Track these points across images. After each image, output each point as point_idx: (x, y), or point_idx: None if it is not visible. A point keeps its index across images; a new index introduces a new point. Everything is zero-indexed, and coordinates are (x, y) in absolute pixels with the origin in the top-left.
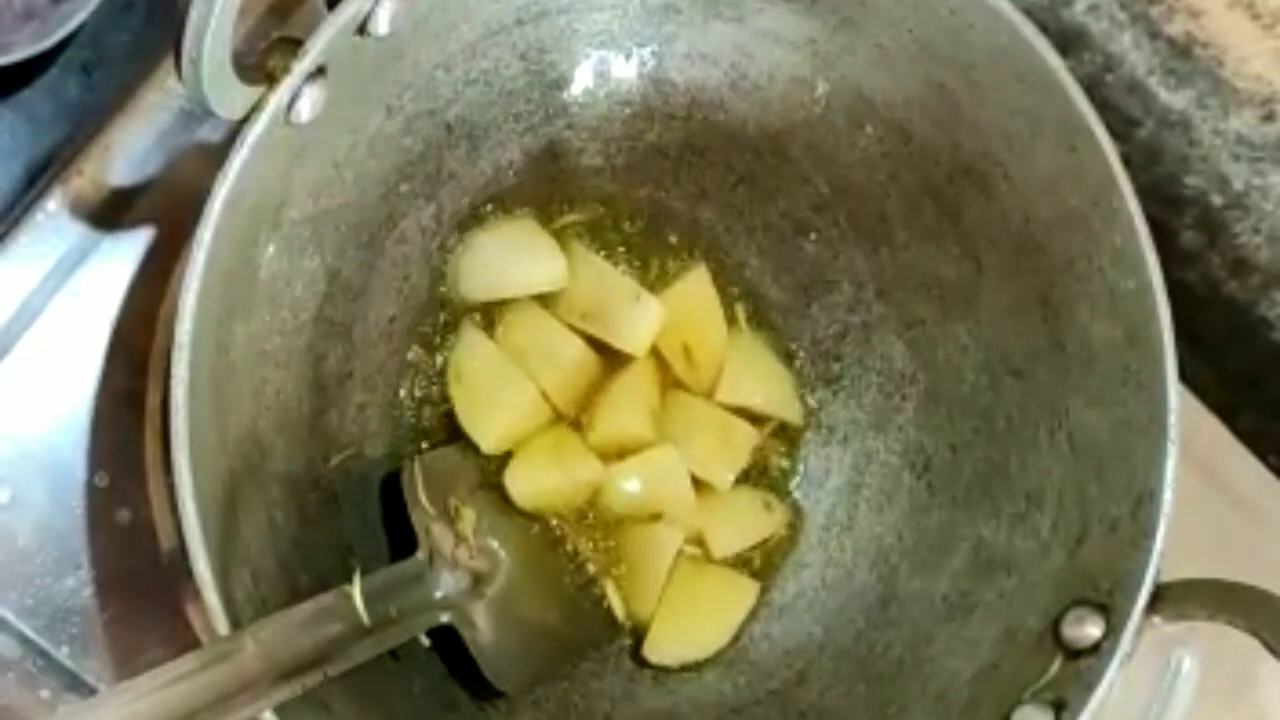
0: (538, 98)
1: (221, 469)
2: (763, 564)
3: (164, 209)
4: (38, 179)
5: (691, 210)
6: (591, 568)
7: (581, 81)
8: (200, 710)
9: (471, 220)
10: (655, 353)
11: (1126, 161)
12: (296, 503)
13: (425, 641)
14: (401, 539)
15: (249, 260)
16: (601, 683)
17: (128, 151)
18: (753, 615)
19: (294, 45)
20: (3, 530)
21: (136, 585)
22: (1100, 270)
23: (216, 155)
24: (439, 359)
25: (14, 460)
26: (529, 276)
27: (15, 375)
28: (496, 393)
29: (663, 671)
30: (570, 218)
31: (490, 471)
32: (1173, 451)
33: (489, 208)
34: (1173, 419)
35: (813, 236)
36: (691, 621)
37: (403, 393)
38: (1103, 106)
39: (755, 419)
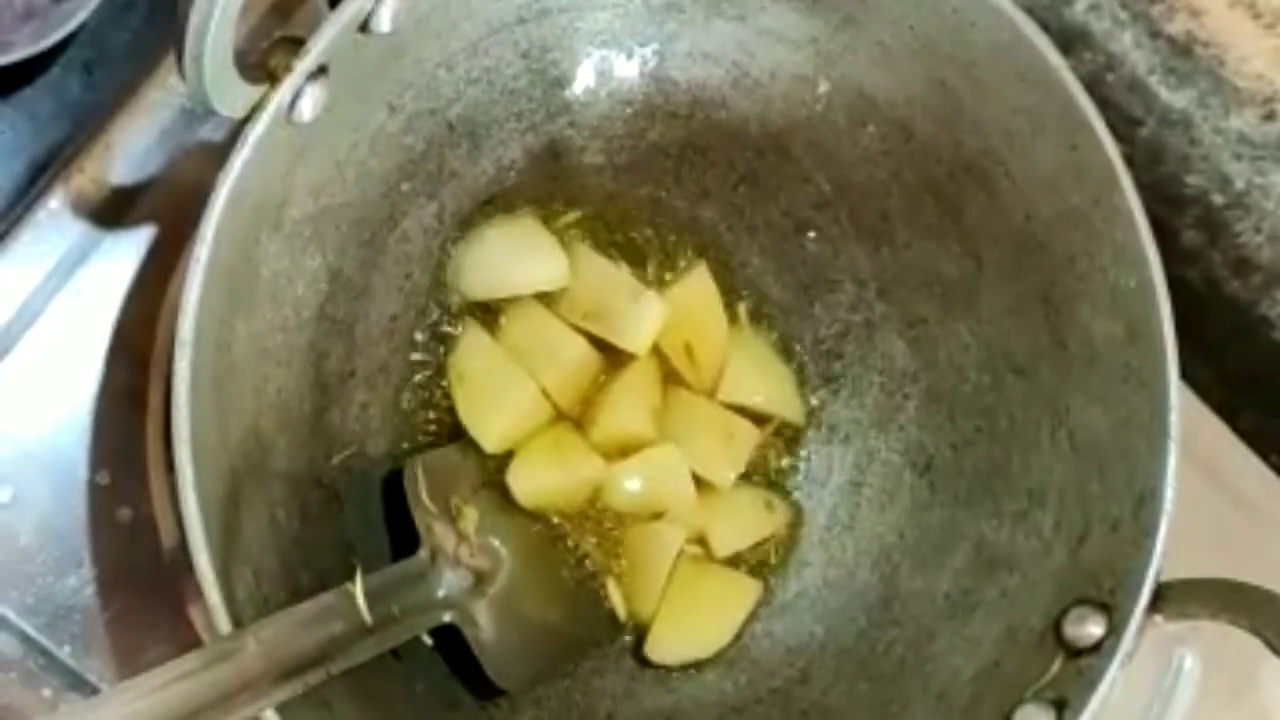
0: (539, 96)
1: (223, 467)
2: (764, 563)
3: (165, 207)
4: (39, 177)
5: (693, 209)
6: (593, 566)
7: (583, 80)
8: (202, 709)
9: (473, 219)
10: (657, 351)
11: (1128, 161)
12: (298, 501)
13: (427, 640)
14: (403, 538)
15: (250, 258)
16: (603, 681)
17: (129, 150)
18: (754, 614)
19: (296, 44)
20: (4, 529)
21: (138, 584)
22: (1101, 268)
23: (218, 154)
24: (441, 358)
25: (16, 458)
26: (530, 275)
27: (17, 374)
28: (498, 391)
29: (664, 670)
30: (572, 216)
31: (492, 470)
32: (1174, 450)
33: (490, 206)
34: (1174, 417)
35: (814, 235)
36: (693, 620)
37: (404, 391)
38: (1104, 105)
39: (757, 418)
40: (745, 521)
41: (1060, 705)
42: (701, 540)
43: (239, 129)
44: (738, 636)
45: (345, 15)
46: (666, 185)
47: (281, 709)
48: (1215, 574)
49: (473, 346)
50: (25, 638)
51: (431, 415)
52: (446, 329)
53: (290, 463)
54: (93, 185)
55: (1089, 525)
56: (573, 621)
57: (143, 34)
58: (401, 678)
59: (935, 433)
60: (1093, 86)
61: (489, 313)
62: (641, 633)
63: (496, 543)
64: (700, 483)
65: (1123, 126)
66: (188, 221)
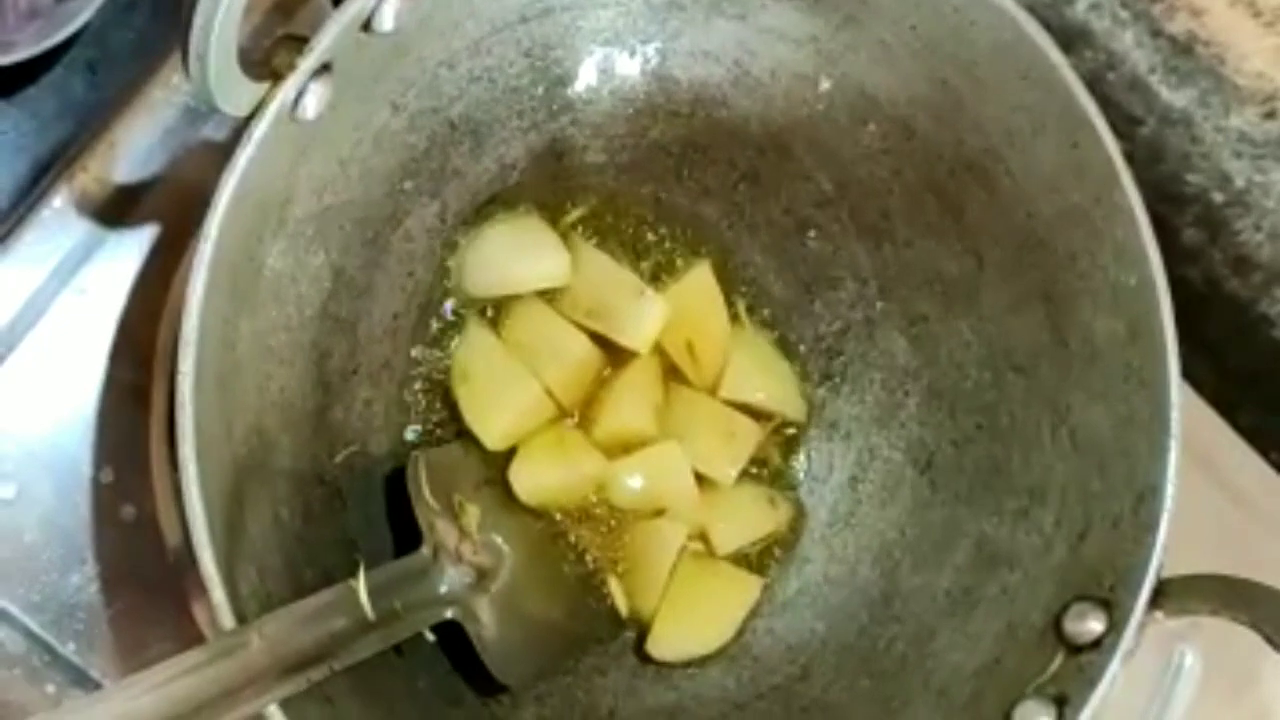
0: (541, 95)
1: (226, 464)
2: (765, 560)
3: (169, 206)
4: (43, 176)
5: (694, 207)
6: (595, 563)
7: (585, 78)
8: (206, 704)
9: (476, 217)
10: (659, 349)
11: (1128, 159)
12: (301, 498)
13: (430, 637)
14: (406, 535)
15: (254, 257)
16: (605, 678)
17: (132, 149)
18: (756, 611)
19: (299, 42)
20: (8, 526)
21: (142, 581)
22: (1102, 266)
23: (221, 152)
24: (443, 355)
25: (19, 456)
26: (533, 273)
27: (20, 372)
28: (500, 389)
29: (666, 667)
30: (574, 214)
31: (494, 467)
32: (1174, 447)
33: (493, 204)
34: (1175, 415)
35: (815, 233)
36: (694, 617)
37: (407, 389)
38: (1104, 104)
39: (758, 415)
40: (746, 518)
41: (1061, 701)
42: (703, 537)
43: (242, 127)
44: (739, 633)
45: (348, 14)
46: (668, 184)
47: (285, 705)
48: (1215, 571)
49: (475, 344)
50: (29, 634)
51: (434, 413)
52: (449, 327)
53: (293, 460)
54: (96, 184)
55: (1090, 522)
56: (574, 618)
57: (146, 33)
58: (404, 674)
59: (936, 430)
60: (1093, 85)
61: (491, 310)
62: (643, 629)
63: (498, 539)
64: (702, 480)
65: (1123, 125)
66: (191, 220)
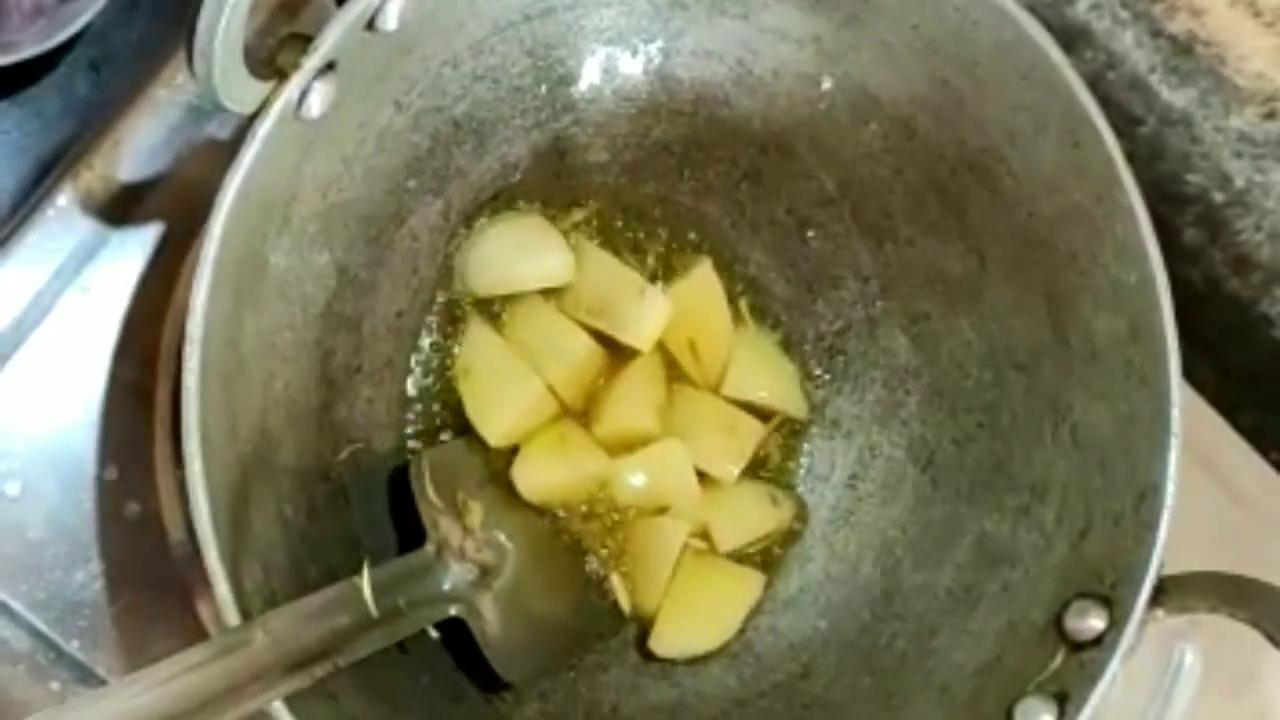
0: (544, 94)
1: (231, 462)
2: (767, 557)
3: (173, 204)
4: (47, 175)
5: (697, 206)
6: (597, 561)
7: (588, 78)
8: (210, 701)
9: (479, 215)
10: (661, 347)
11: (1129, 159)
12: (305, 496)
13: (433, 634)
14: (409, 532)
15: (258, 255)
16: (607, 675)
17: (137, 147)
18: (757, 608)
19: (304, 41)
20: (14, 523)
21: (146, 578)
22: (1103, 264)
23: (225, 151)
24: (447, 353)
25: (24, 453)
26: (536, 271)
27: (26, 369)
28: (503, 387)
29: (668, 664)
30: (577, 213)
31: (497, 465)
32: (1175, 445)
33: (496, 203)
34: (1175, 413)
35: (817, 232)
36: (697, 614)
37: (410, 387)
38: (1105, 104)
39: (760, 413)
40: (748, 516)
41: (1062, 699)
42: (705, 535)
43: (246, 126)
44: (741, 631)
45: (352, 13)
46: (670, 182)
47: (289, 701)
48: (1215, 569)
49: (478, 342)
50: (34, 631)
51: (437, 410)
52: (452, 325)
53: (297, 458)
54: (100, 183)
55: (1090, 520)
56: (577, 615)
57: (149, 32)
58: (407, 670)
59: (937, 428)
60: (1094, 85)
61: (494, 309)
62: (645, 626)
63: (501, 537)
64: (704, 478)
65: (1124, 125)
66: (195, 218)
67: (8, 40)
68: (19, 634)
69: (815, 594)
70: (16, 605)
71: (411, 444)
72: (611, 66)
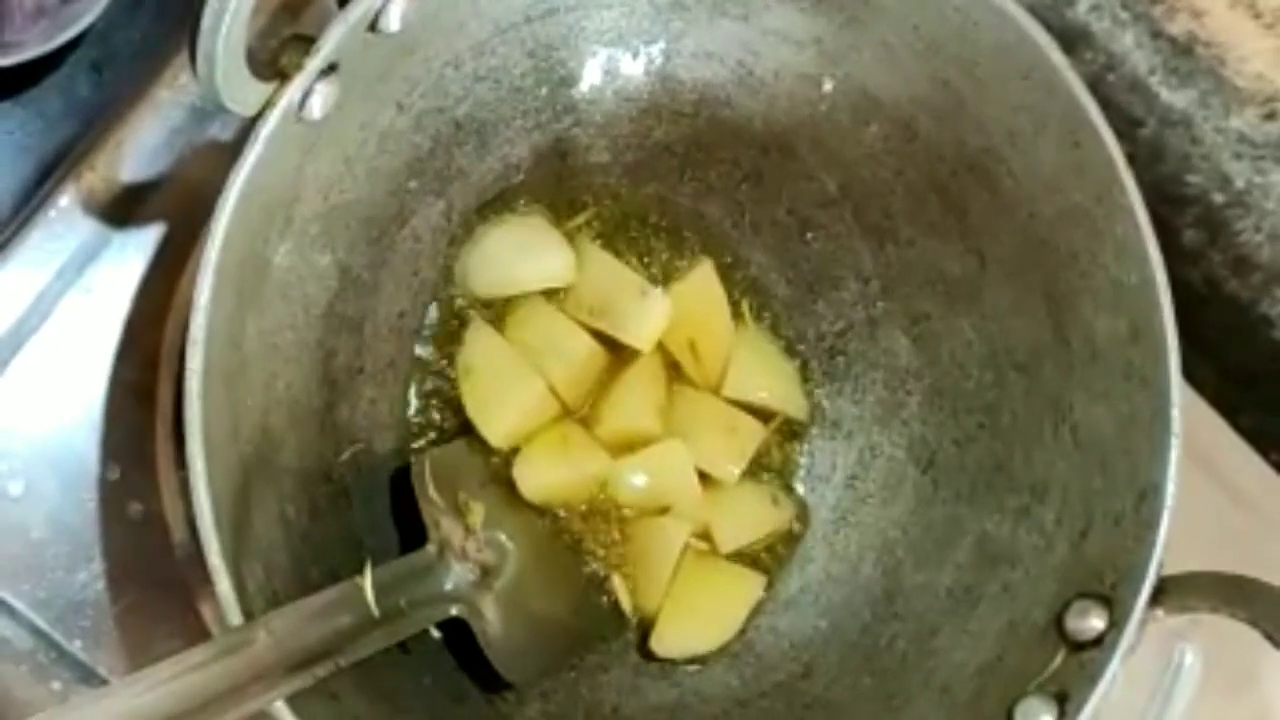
0: (546, 95)
1: (233, 462)
2: (768, 558)
3: (175, 205)
4: (49, 176)
5: (698, 207)
6: (598, 561)
7: (589, 79)
8: (212, 700)
9: (480, 216)
10: (662, 348)
11: (1129, 160)
12: (307, 496)
13: (435, 634)
14: (411, 532)
15: (260, 256)
16: (608, 675)
17: (139, 148)
18: (758, 609)
19: (306, 42)
20: (16, 523)
21: (148, 578)
22: (1103, 265)
23: (228, 152)
24: (448, 354)
25: (26, 453)
26: (537, 272)
27: (27, 370)
28: (505, 387)
29: (669, 664)
30: (578, 214)
31: (499, 465)
32: (1175, 446)
33: (498, 204)
34: (1175, 413)
35: (818, 233)
36: (697, 615)
37: (412, 387)
38: (1105, 105)
39: (761, 414)
40: (749, 517)
41: (1062, 698)
42: (706, 535)
43: (249, 127)
44: (742, 631)
45: (354, 14)
46: (672, 183)
47: (291, 701)
48: (1215, 570)
49: (480, 343)
50: (36, 631)
51: (439, 411)
52: (454, 326)
53: (299, 458)
54: (103, 184)
55: (1091, 520)
56: (578, 615)
57: (151, 33)
58: (409, 671)
59: (938, 429)
60: (1094, 86)
61: (496, 309)
62: (646, 627)
63: (503, 537)
64: (705, 478)
65: (1124, 126)
66: (198, 219)
67: (10, 41)
68: (21, 633)
69: (816, 594)
70: (19, 605)
71: (413, 444)
72: (613, 68)
